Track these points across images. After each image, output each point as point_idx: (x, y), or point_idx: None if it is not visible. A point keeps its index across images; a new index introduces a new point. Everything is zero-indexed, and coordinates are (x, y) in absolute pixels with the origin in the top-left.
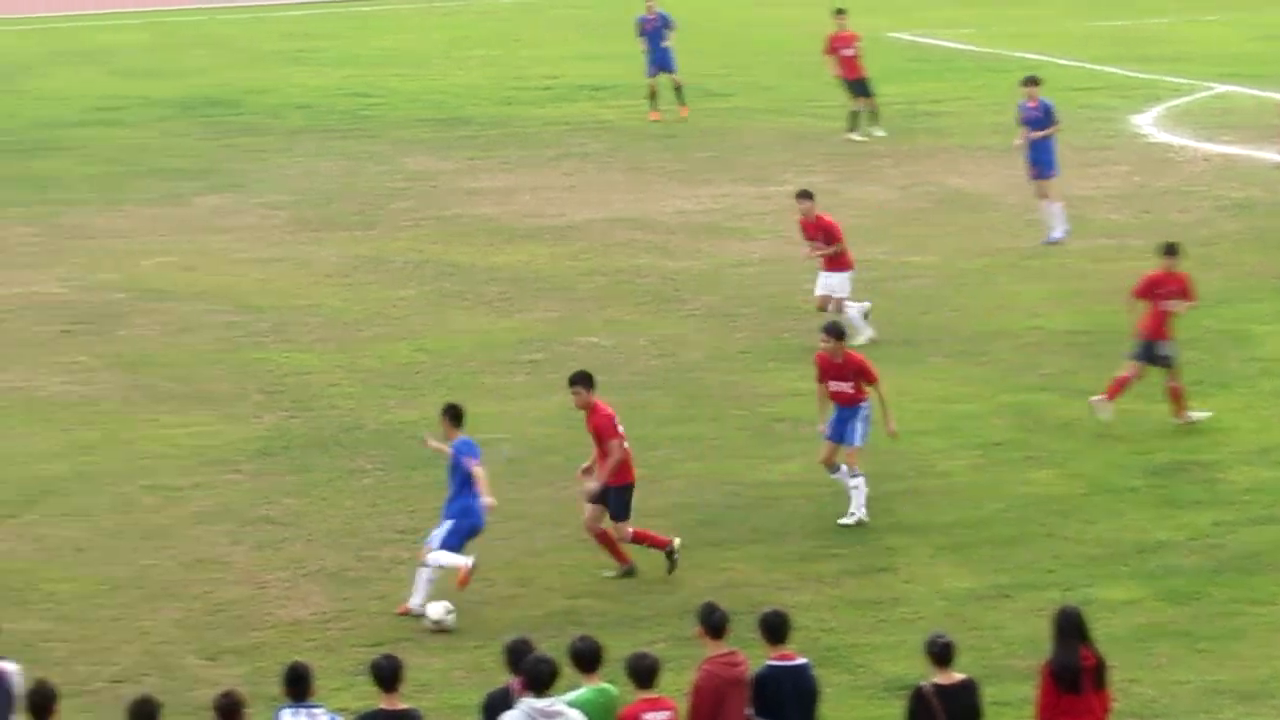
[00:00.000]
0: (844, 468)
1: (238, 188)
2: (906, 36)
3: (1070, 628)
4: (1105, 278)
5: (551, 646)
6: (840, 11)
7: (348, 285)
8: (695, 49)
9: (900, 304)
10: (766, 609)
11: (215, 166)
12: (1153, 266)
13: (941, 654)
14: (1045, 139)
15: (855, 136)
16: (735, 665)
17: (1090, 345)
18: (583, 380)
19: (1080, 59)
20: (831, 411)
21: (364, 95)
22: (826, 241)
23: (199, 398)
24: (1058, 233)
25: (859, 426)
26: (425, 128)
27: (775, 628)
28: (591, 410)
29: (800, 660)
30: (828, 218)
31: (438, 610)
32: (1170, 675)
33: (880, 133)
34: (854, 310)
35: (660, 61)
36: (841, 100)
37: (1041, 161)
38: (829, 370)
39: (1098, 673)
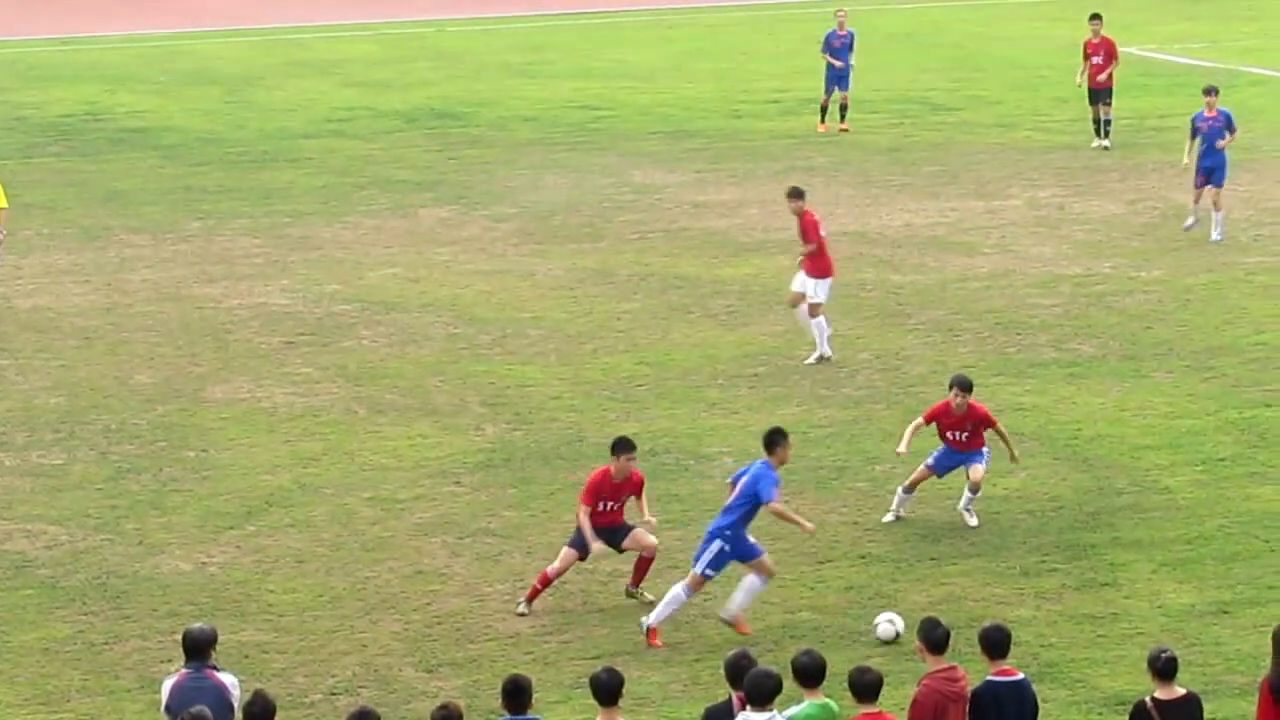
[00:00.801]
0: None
1: (463, 200)
2: (1137, 51)
3: None
4: None
5: (770, 661)
6: (1095, 17)
7: (572, 298)
8: (921, 64)
9: (1126, 319)
10: (987, 624)
11: (441, 178)
12: None
13: (1165, 668)
14: (1223, 148)
15: (1104, 143)
16: (955, 681)
17: None
18: None
19: None
20: (915, 438)
21: (592, 108)
22: (804, 240)
23: (421, 409)
24: (1217, 234)
25: (983, 455)
26: (653, 140)
27: (996, 643)
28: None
29: (1020, 676)
30: (813, 216)
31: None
32: None
33: (1108, 144)
34: (822, 322)
35: (841, 78)
36: (1071, 114)
37: (1219, 169)
38: (948, 421)
39: None
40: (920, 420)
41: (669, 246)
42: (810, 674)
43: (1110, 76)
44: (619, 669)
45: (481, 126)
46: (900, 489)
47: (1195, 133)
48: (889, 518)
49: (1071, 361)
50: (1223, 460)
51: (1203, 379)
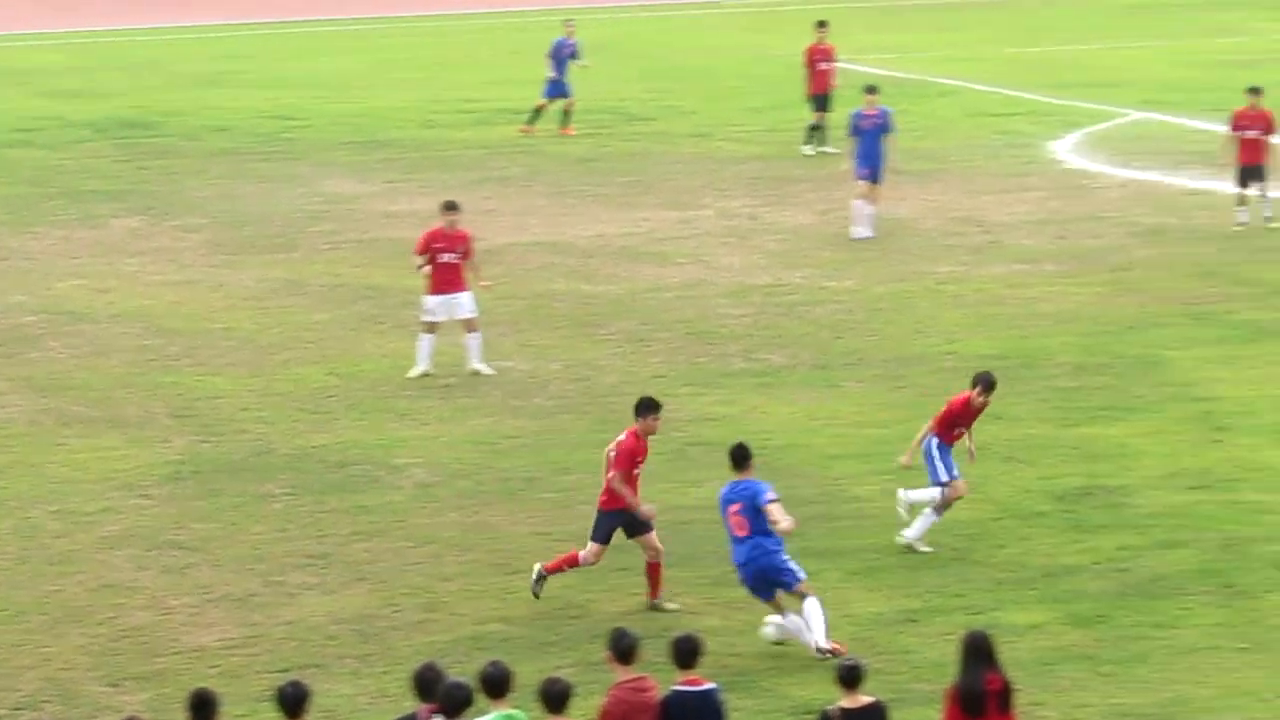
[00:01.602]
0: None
1: (153, 210)
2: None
3: (977, 651)
4: (1020, 303)
5: (460, 672)
6: (822, 24)
7: (262, 309)
8: (616, 74)
9: (817, 328)
10: (677, 633)
11: (131, 188)
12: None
13: (849, 677)
14: (882, 145)
15: (808, 150)
16: (644, 691)
17: (1005, 370)
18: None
19: (999, 85)
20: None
21: (284, 118)
22: (463, 255)
23: (109, 421)
24: (865, 231)
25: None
26: (345, 150)
27: (685, 652)
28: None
29: (708, 685)
30: (465, 231)
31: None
32: (1075, 699)
33: (833, 149)
34: (426, 342)
35: (563, 87)
36: (764, 125)
37: (876, 166)
38: (966, 420)
39: (1003, 696)
40: (929, 427)
41: (361, 257)
42: (496, 685)
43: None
44: (305, 682)
45: (172, 136)
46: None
47: (856, 130)
48: (914, 545)
49: (762, 371)
50: (911, 469)
51: (892, 388)
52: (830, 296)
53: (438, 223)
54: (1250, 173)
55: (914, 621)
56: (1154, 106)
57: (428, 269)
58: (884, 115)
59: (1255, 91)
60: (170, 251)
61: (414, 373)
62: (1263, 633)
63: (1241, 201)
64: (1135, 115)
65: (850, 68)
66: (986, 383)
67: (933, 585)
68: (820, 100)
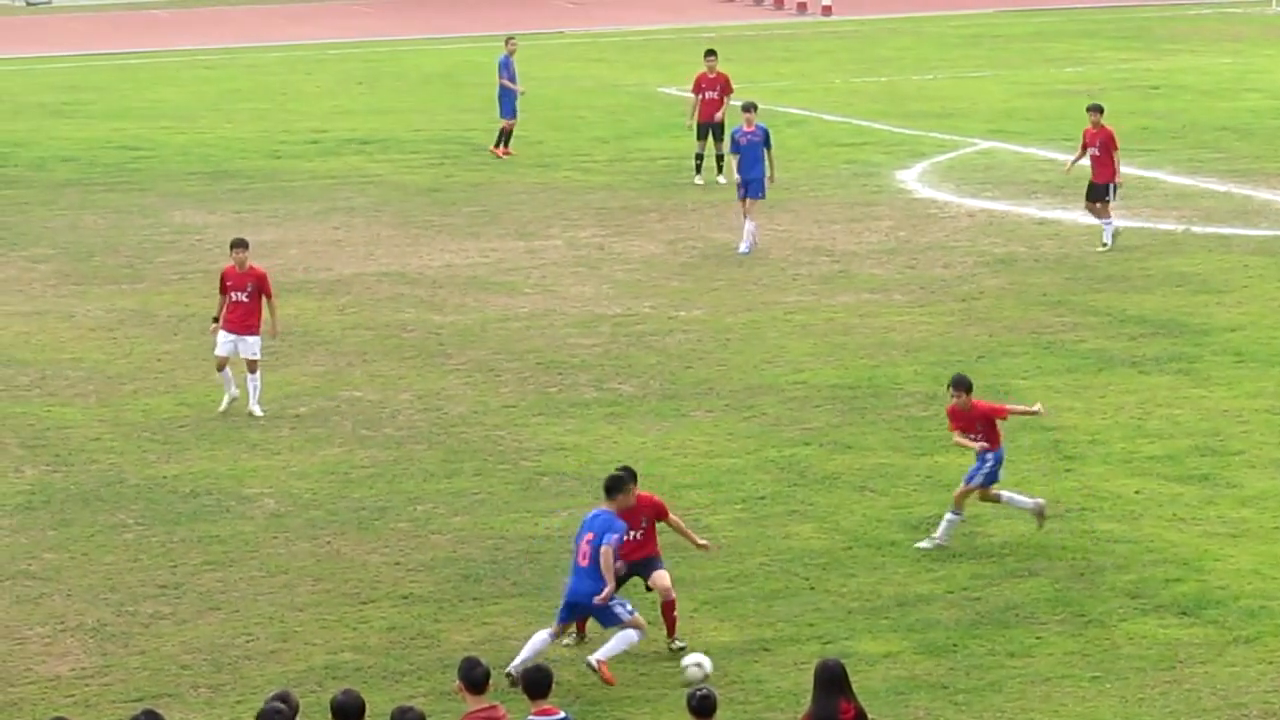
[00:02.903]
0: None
1: (1, 241)
2: (675, 92)
3: (830, 681)
4: (869, 332)
5: (313, 702)
6: (710, 53)
7: (111, 339)
8: (460, 104)
9: (666, 358)
10: (528, 664)
11: None
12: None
13: (700, 707)
14: (761, 161)
15: (700, 180)
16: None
17: (854, 400)
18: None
19: (847, 115)
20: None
21: (131, 148)
22: (256, 294)
23: None
24: (745, 246)
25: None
26: (192, 181)
27: (536, 682)
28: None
29: (561, 715)
30: (259, 269)
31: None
32: None
33: (722, 180)
34: (224, 374)
35: (512, 107)
36: (610, 155)
37: (756, 183)
38: (960, 424)
39: None
40: (954, 433)
41: (209, 287)
42: (348, 713)
43: (724, 111)
44: (159, 711)
45: (19, 167)
46: (950, 513)
47: (736, 148)
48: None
49: (612, 401)
50: (762, 498)
51: (742, 418)
52: (679, 326)
53: (229, 261)
54: (1093, 190)
55: (767, 651)
56: (1000, 136)
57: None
58: (760, 132)
59: (1095, 109)
60: (18, 282)
61: (224, 405)
62: (1115, 661)
63: (1102, 216)
64: (981, 145)
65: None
66: (956, 384)
67: (785, 615)
68: (705, 129)
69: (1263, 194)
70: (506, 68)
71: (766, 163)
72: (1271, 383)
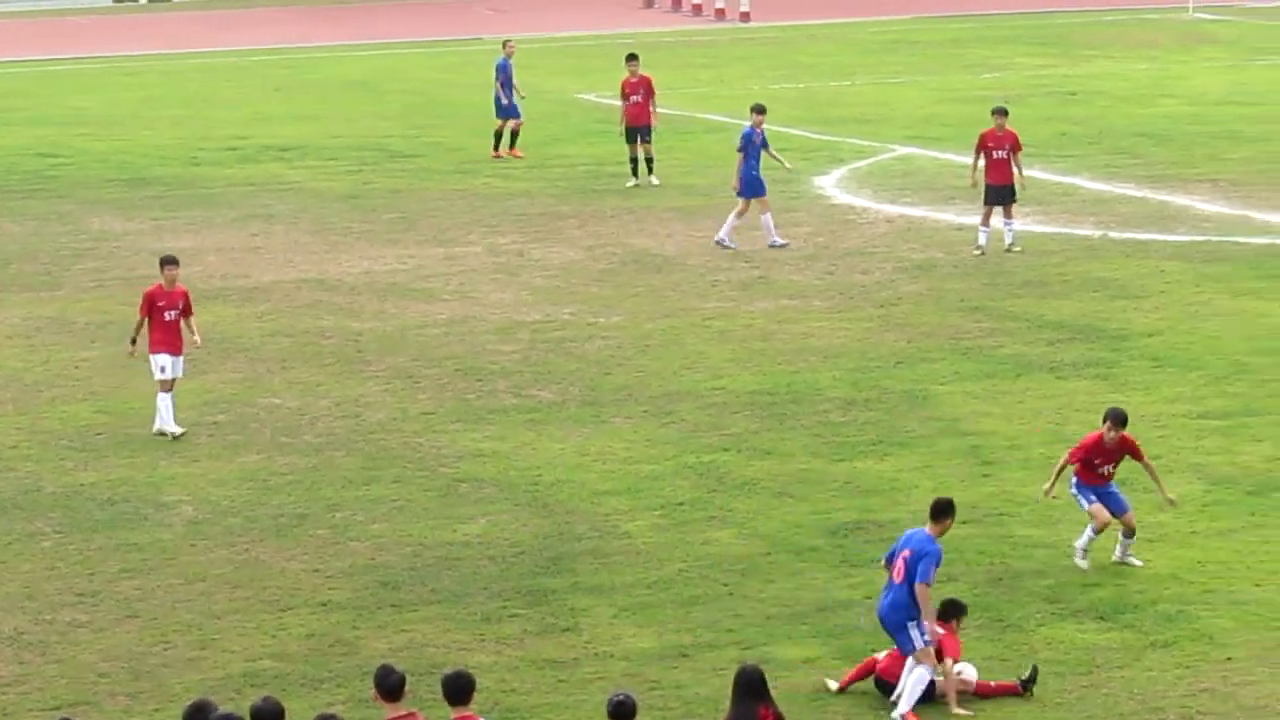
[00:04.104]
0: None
1: None
2: (594, 98)
3: (749, 686)
4: (788, 338)
5: (232, 709)
6: (632, 57)
7: (29, 346)
8: (379, 111)
9: (586, 365)
10: (447, 670)
11: None
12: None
13: (619, 712)
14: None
15: (635, 182)
16: None
17: (773, 405)
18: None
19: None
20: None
21: (48, 155)
22: (183, 312)
23: None
24: (778, 239)
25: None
26: (111, 188)
27: (456, 689)
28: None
29: None
30: (183, 287)
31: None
32: None
33: (656, 181)
34: (166, 401)
35: (513, 107)
36: (530, 161)
37: (759, 181)
38: (1101, 456)
39: None
40: (1065, 460)
41: (128, 294)
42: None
43: (653, 113)
44: None
45: None
46: (1089, 536)
47: (749, 146)
48: (1084, 563)
49: (532, 408)
50: (681, 505)
51: (662, 424)
52: (599, 332)
53: (157, 280)
54: (998, 193)
55: (686, 657)
56: (918, 142)
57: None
58: (761, 135)
59: (1001, 112)
60: None
61: (174, 431)
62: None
63: (985, 223)
64: (900, 150)
65: (618, 104)
66: (1115, 418)
67: (704, 621)
68: (632, 133)
69: (1179, 199)
70: (504, 70)
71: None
72: (1188, 387)
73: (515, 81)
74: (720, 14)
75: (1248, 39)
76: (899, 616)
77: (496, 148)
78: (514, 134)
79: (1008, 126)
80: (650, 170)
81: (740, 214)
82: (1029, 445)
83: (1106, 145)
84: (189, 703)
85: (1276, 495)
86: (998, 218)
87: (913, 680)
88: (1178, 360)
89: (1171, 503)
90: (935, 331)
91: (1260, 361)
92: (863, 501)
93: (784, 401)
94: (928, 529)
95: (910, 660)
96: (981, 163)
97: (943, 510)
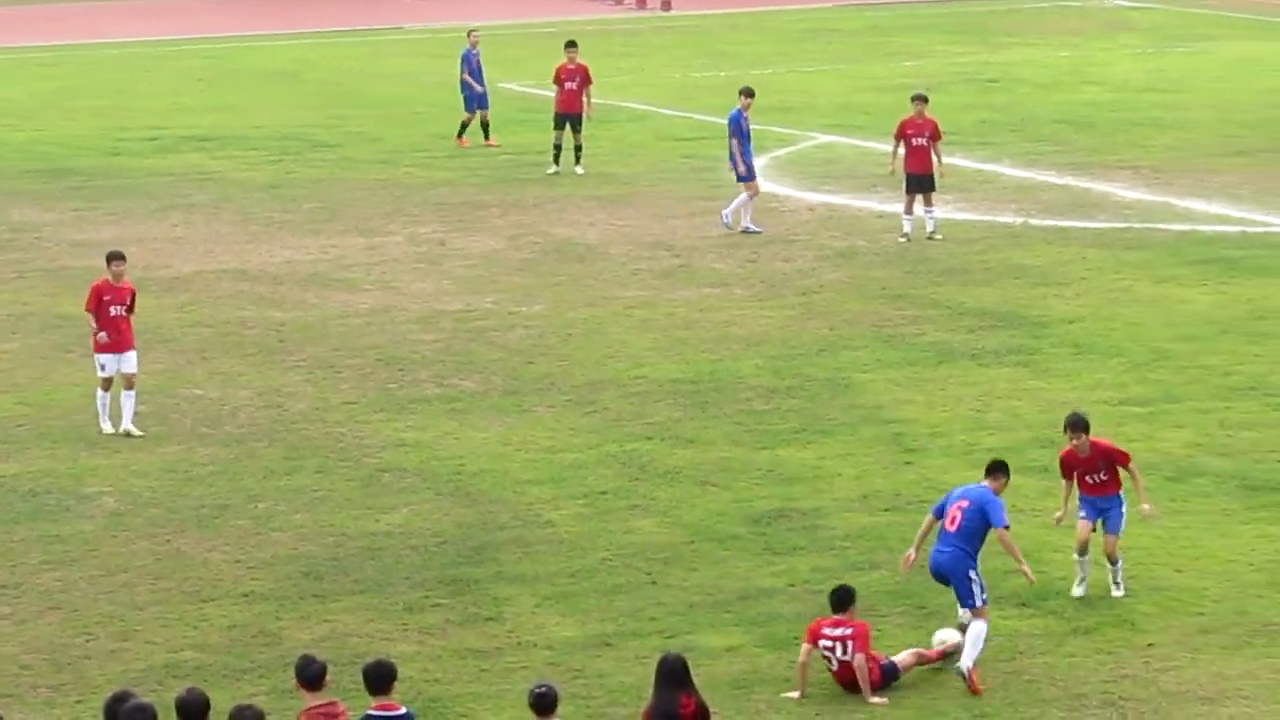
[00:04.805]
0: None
1: None
2: (517, 88)
3: (671, 675)
4: (710, 326)
5: (154, 700)
6: (570, 44)
7: None
8: (299, 101)
9: (508, 354)
10: (369, 660)
11: None
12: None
13: (540, 703)
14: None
15: (555, 169)
16: (334, 716)
17: (695, 393)
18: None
19: (686, 110)
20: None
21: None
22: (129, 309)
23: None
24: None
25: (1121, 513)
26: (31, 179)
27: (377, 678)
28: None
29: (402, 710)
30: (130, 283)
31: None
32: None
33: (580, 170)
34: (105, 400)
35: (482, 98)
36: (451, 150)
37: (751, 165)
38: (1079, 466)
39: (697, 719)
40: (1065, 482)
41: (49, 285)
42: (191, 711)
43: (586, 102)
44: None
45: None
46: (1076, 557)
47: (739, 131)
48: (1080, 591)
49: (454, 397)
50: (604, 493)
51: (584, 413)
52: (521, 322)
53: (104, 275)
54: (918, 181)
55: (609, 645)
56: (839, 130)
57: (97, 329)
58: (744, 116)
59: (921, 99)
60: None
61: (107, 430)
62: (955, 653)
63: (909, 211)
64: (821, 139)
65: (538, 93)
66: (1071, 425)
67: (627, 609)
68: (561, 119)
69: (1100, 186)
70: (468, 61)
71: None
72: (1109, 374)
73: (480, 75)
74: (641, 3)
75: (1168, 26)
76: (961, 567)
77: (461, 135)
78: (485, 124)
79: (927, 114)
80: (578, 160)
81: (753, 195)
82: (951, 432)
83: (1028, 132)
84: (110, 694)
85: (1197, 481)
86: (920, 205)
87: (973, 634)
88: (1099, 347)
89: (1145, 513)
90: (857, 319)
91: (1180, 348)
92: (785, 490)
93: (706, 390)
94: (985, 483)
95: (967, 614)
96: (901, 150)
97: (996, 468)
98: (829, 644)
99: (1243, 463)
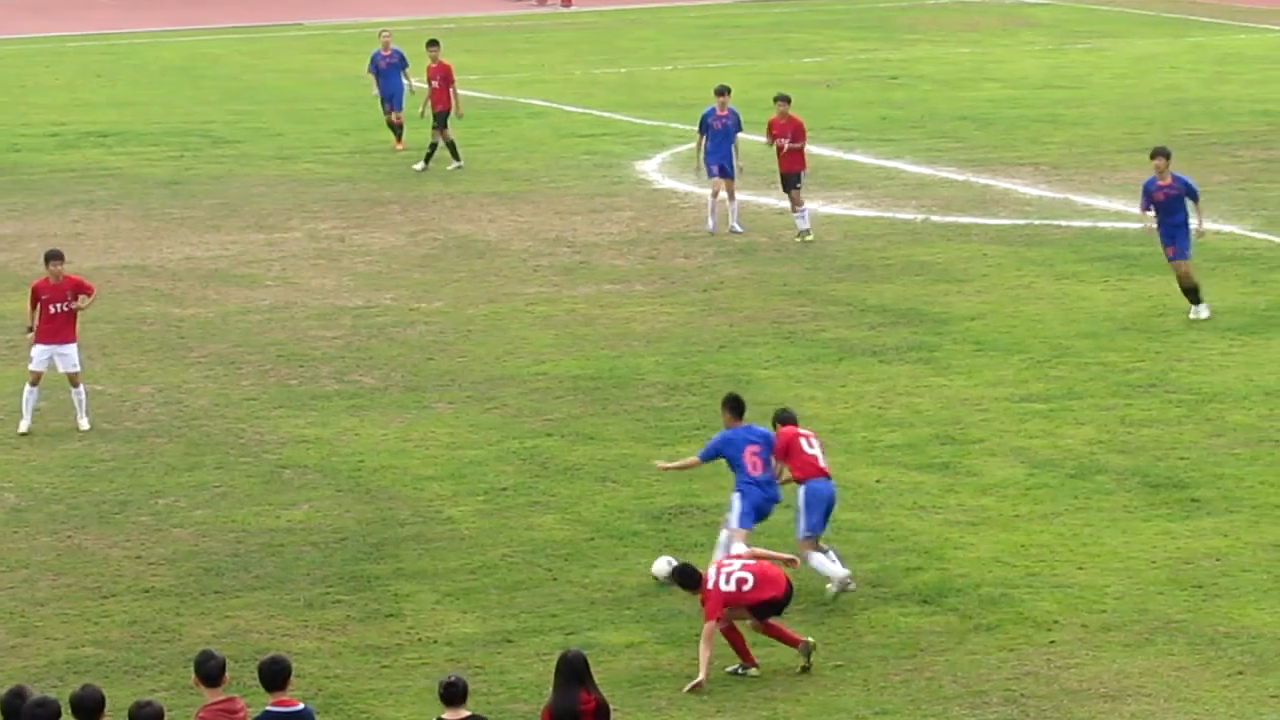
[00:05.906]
0: None
1: None
2: (417, 84)
3: (571, 672)
4: (610, 323)
5: (54, 697)
6: (433, 43)
7: None
8: (198, 96)
9: (408, 350)
10: (264, 656)
11: None
12: None
13: (449, 695)
14: (729, 144)
15: (422, 167)
16: (234, 712)
17: (595, 390)
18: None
19: (586, 106)
20: None
21: None
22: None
23: None
24: (713, 225)
25: None
26: None
27: (273, 675)
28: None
29: (300, 706)
30: (74, 277)
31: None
32: (671, 717)
33: (456, 165)
34: (31, 395)
35: (394, 97)
36: (351, 146)
37: (727, 163)
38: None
39: (598, 716)
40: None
41: None
42: (87, 708)
43: (454, 101)
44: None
45: None
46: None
47: (706, 128)
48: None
49: (354, 393)
50: (505, 490)
51: (484, 409)
52: (421, 318)
53: (43, 274)
54: (786, 180)
55: (510, 642)
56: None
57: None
58: (733, 116)
59: (784, 100)
60: None
61: (23, 427)
62: (857, 650)
63: (795, 206)
64: None
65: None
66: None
67: (528, 606)
68: (439, 116)
69: (1001, 183)
70: (374, 63)
71: (734, 148)
72: (1010, 371)
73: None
74: (542, 0)
75: (1068, 22)
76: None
77: (400, 138)
78: (396, 126)
79: (791, 114)
80: (455, 155)
81: (731, 195)
82: (851, 429)
83: (928, 129)
84: (6, 689)
85: (1098, 479)
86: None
87: (724, 539)
88: (1000, 344)
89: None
90: (757, 316)
91: (1081, 345)
92: (685, 486)
93: (607, 386)
94: (740, 424)
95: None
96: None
97: (738, 405)
98: (731, 587)
99: (1143, 460)
